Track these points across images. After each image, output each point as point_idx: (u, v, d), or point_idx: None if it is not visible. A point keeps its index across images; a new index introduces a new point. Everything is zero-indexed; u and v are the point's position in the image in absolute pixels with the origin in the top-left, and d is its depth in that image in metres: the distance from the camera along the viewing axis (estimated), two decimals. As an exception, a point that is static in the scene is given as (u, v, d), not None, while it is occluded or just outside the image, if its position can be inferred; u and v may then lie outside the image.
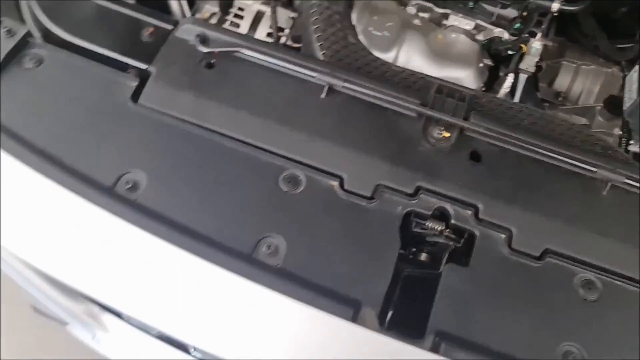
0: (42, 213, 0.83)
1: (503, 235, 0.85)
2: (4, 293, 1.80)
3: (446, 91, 0.93)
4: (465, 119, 0.90)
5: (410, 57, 1.14)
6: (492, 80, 1.23)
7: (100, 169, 0.85)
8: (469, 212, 0.86)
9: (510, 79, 1.15)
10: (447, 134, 0.90)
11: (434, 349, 0.76)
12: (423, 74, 0.99)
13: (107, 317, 1.13)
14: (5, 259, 1.03)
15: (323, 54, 0.99)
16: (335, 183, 0.86)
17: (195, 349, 1.05)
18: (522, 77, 1.16)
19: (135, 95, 0.90)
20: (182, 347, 1.09)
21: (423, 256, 0.88)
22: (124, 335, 1.13)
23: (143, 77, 0.91)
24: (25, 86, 0.90)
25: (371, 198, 0.86)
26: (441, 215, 0.86)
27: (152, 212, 0.82)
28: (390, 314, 0.79)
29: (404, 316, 0.80)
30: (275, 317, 0.78)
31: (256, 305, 0.78)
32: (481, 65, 1.18)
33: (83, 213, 0.81)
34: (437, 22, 1.22)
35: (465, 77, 1.15)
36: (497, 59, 1.23)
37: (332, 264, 0.82)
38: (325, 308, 0.77)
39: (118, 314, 1.12)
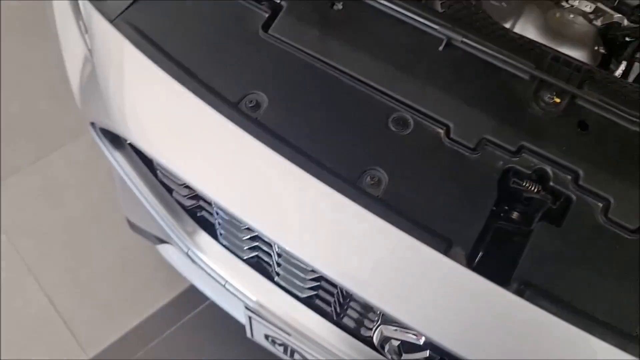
0: (173, 117, 0.92)
1: (600, 204, 0.86)
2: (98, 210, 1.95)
3: (562, 60, 0.95)
4: (579, 88, 0.92)
5: (525, 30, 1.15)
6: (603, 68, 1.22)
7: (228, 86, 0.93)
8: (569, 177, 0.87)
9: (623, 66, 1.14)
10: (558, 100, 0.92)
11: (519, 294, 0.79)
12: (540, 42, 1.01)
13: (202, 237, 1.22)
14: (122, 166, 1.14)
15: (443, 12, 1.03)
16: (441, 130, 0.91)
17: (279, 275, 1.12)
18: (636, 66, 1.15)
19: (266, 26, 0.97)
20: (267, 274, 1.17)
21: (515, 214, 0.91)
22: (215, 257, 1.22)
23: (275, 10, 0.98)
24: (170, 5, 0.99)
25: (474, 149, 0.89)
26: (540, 177, 0.89)
27: (270, 130, 0.89)
28: (479, 255, 0.83)
29: (491, 263, 0.84)
30: (368, 236, 0.83)
31: (353, 223, 0.84)
32: (595, 49, 1.18)
33: (209, 121, 0.90)
34: (557, 0, 1.23)
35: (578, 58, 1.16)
36: (610, 49, 1.22)
37: (429, 203, 0.86)
38: (419, 238, 0.82)
39: (214, 235, 1.20)
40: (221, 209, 1.03)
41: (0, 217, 1.91)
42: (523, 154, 0.89)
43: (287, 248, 0.85)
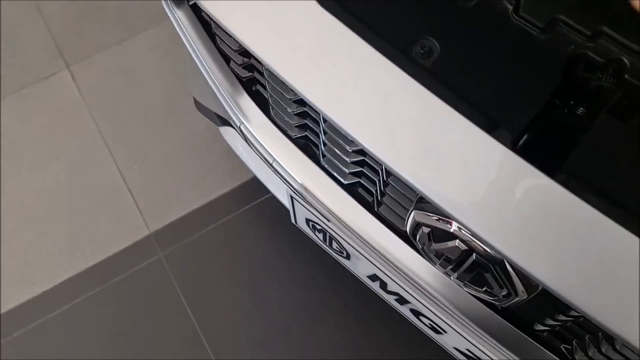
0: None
1: (679, 101, 0.76)
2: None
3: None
4: (680, -30, 0.79)
5: None
6: None
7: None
8: (649, 70, 0.77)
9: None
10: (652, -18, 0.80)
11: (564, 184, 0.72)
12: None
13: (255, 112, 1.20)
14: (181, 24, 1.13)
15: None
16: (510, 6, 0.82)
17: (324, 157, 1.09)
18: None
19: None
20: (315, 158, 1.14)
21: (577, 106, 0.82)
22: (265, 133, 1.21)
23: None
24: None
25: (544, 29, 0.80)
26: (615, 67, 0.79)
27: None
28: (526, 140, 0.76)
29: (541, 152, 0.76)
30: (410, 108, 0.78)
31: (396, 92, 0.79)
32: None
33: None
34: None
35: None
36: None
37: (482, 82, 0.79)
38: (464, 113, 0.76)
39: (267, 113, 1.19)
40: (267, 69, 1.01)
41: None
42: (600, 40, 0.79)
43: (324, 111, 0.82)
